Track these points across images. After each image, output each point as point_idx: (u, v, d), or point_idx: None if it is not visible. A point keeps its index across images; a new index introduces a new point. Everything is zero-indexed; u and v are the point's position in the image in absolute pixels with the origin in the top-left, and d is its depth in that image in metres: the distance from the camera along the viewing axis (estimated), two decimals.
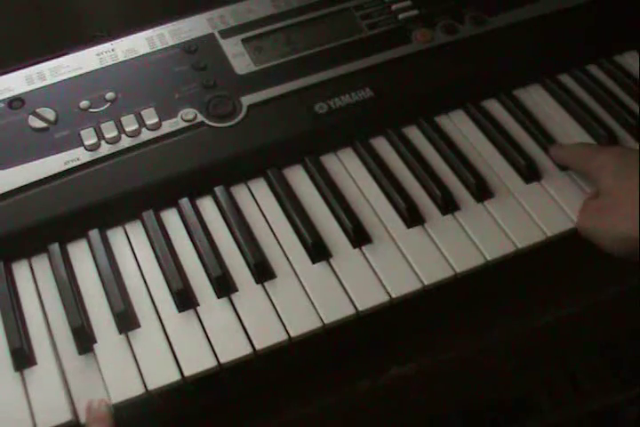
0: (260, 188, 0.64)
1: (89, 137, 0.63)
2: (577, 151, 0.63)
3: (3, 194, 0.61)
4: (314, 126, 0.65)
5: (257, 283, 0.58)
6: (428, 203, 0.62)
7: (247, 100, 0.66)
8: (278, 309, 0.56)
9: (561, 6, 0.72)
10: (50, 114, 0.65)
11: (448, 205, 0.62)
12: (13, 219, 0.60)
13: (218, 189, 0.63)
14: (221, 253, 0.60)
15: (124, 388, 0.53)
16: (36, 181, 0.61)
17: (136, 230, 0.62)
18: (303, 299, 0.57)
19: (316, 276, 0.58)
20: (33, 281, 0.60)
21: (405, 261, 0.58)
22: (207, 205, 0.63)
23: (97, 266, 0.59)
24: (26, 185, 0.61)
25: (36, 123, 0.64)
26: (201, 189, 0.64)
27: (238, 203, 0.63)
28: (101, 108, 0.65)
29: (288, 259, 0.59)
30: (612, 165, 0.58)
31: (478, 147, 0.66)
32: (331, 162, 0.66)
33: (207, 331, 0.55)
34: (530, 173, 0.63)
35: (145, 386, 0.53)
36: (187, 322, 0.56)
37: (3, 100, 0.66)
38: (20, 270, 0.60)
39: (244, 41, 0.69)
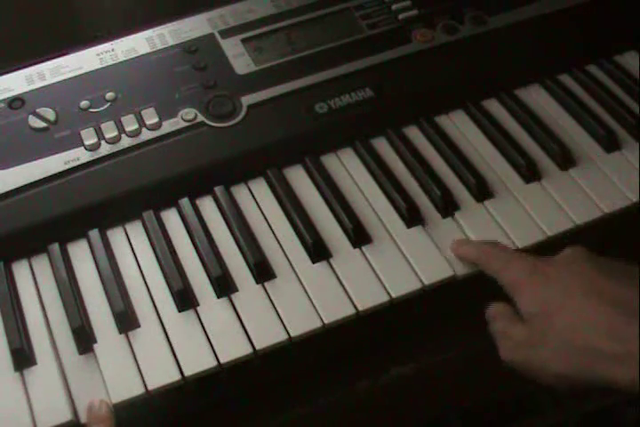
0: (260, 188, 0.64)
1: (89, 137, 0.63)
2: (484, 250, 0.56)
3: (3, 194, 0.61)
4: (314, 126, 0.65)
5: (257, 283, 0.58)
6: (428, 203, 0.62)
7: (247, 100, 0.66)
8: (278, 309, 0.56)
9: (561, 6, 0.72)
10: (50, 114, 0.65)
11: (448, 205, 0.61)
12: (13, 219, 0.60)
13: (218, 189, 0.63)
14: (221, 253, 0.60)
15: (124, 388, 0.53)
16: (35, 181, 0.61)
17: (136, 230, 0.62)
18: (303, 299, 0.57)
19: (316, 276, 0.58)
20: (33, 281, 0.60)
21: (405, 261, 0.58)
22: (207, 205, 0.63)
23: (97, 266, 0.59)
24: (26, 185, 0.61)
25: (36, 123, 0.64)
26: (201, 189, 0.64)
27: (238, 203, 0.63)
28: (101, 108, 0.65)
29: (288, 259, 0.59)
30: (529, 282, 0.50)
31: (478, 147, 0.66)
32: (331, 162, 0.66)
33: (207, 331, 0.55)
34: (530, 172, 0.63)
35: (145, 386, 0.53)
36: (187, 322, 0.56)
37: (3, 100, 0.66)
38: (20, 270, 0.60)
39: (244, 41, 0.69)
